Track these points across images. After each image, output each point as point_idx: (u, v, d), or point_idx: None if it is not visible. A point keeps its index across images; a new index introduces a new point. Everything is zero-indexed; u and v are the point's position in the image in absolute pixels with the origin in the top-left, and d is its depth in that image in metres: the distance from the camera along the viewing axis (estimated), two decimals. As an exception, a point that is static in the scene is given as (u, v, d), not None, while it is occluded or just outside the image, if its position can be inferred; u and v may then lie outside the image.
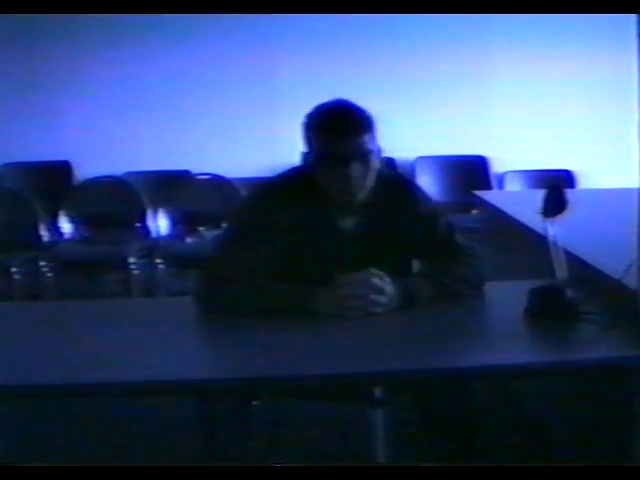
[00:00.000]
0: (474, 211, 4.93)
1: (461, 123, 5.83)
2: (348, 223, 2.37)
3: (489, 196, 4.56)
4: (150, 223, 5.37)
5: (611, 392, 2.24)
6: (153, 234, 5.35)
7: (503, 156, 5.94)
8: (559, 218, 2.19)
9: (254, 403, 2.35)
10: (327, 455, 2.85)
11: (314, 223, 2.34)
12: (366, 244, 2.35)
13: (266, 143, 5.59)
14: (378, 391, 2.12)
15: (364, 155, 2.25)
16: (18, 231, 5.11)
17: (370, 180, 2.29)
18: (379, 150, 2.31)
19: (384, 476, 1.83)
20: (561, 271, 2.14)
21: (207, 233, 5.25)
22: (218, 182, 5.47)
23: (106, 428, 3.16)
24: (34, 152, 5.69)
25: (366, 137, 2.25)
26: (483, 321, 2.33)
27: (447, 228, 2.43)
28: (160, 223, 5.39)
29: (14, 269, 4.81)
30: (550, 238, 2.17)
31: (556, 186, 2.25)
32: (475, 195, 4.61)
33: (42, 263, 4.94)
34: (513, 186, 5.89)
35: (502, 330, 2.15)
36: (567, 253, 2.19)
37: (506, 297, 2.35)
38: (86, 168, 5.70)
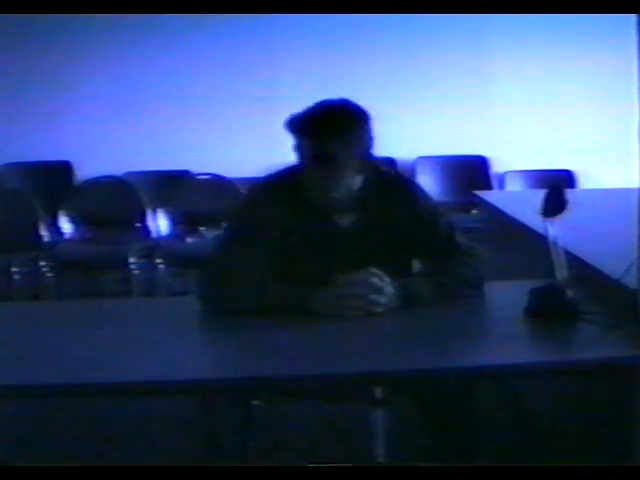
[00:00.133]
0: (474, 211, 4.93)
1: (461, 123, 5.83)
2: (344, 221, 2.37)
3: (489, 196, 4.56)
4: (150, 223, 5.37)
5: (611, 392, 2.24)
6: (153, 234, 5.35)
7: (503, 156, 5.94)
8: (559, 218, 2.19)
9: (254, 403, 2.35)
10: (327, 455, 2.85)
11: (310, 221, 2.34)
12: (364, 242, 2.34)
13: (266, 143, 5.59)
14: (378, 391, 2.12)
15: (335, 155, 2.23)
16: (18, 231, 5.11)
17: (349, 179, 2.28)
18: (366, 149, 2.30)
19: (384, 476, 1.83)
20: (561, 271, 2.14)
21: (207, 233, 5.25)
22: (218, 182, 5.47)
23: (106, 428, 3.16)
24: (34, 152, 5.69)
25: (340, 137, 2.22)
26: (483, 321, 2.33)
27: (447, 228, 2.42)
28: (160, 223, 5.39)
29: (14, 269, 4.81)
30: (550, 238, 2.17)
31: (556, 186, 2.25)
32: (475, 195, 4.61)
33: (42, 263, 4.93)
34: (513, 186, 5.89)
35: (502, 330, 2.14)
36: (567, 253, 2.19)
37: (506, 297, 2.35)
38: (86, 168, 5.70)
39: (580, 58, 5.77)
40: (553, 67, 5.83)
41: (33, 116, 5.66)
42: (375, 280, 2.21)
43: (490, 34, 5.79)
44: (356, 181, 2.31)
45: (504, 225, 3.66)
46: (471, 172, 5.93)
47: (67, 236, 5.36)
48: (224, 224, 2.51)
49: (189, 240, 5.37)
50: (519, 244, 3.30)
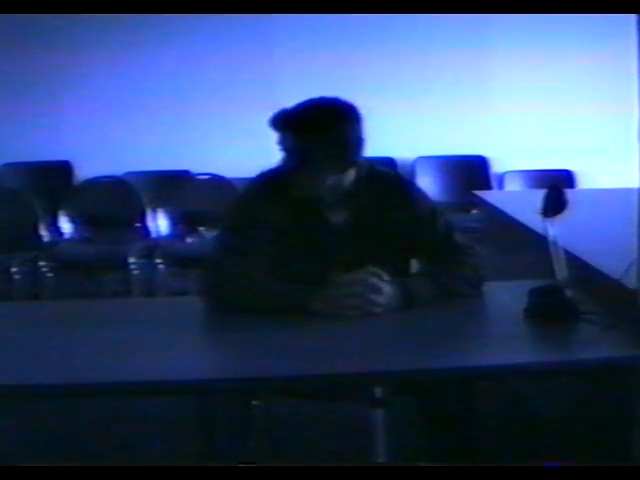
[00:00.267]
0: (474, 211, 4.93)
1: (461, 123, 5.83)
2: (336, 218, 2.37)
3: (489, 196, 4.56)
4: (150, 223, 5.37)
5: (611, 392, 2.24)
6: (153, 234, 5.35)
7: (503, 156, 5.94)
8: (559, 218, 2.19)
9: (254, 403, 2.35)
10: (327, 455, 2.85)
11: (300, 216, 2.34)
12: (357, 240, 2.34)
13: (266, 143, 5.58)
14: (378, 391, 2.12)
15: (309, 151, 2.24)
16: (18, 231, 5.11)
17: (330, 176, 2.28)
18: (351, 148, 2.29)
19: (384, 476, 1.83)
20: (561, 271, 2.14)
21: (207, 233, 5.24)
22: (218, 182, 5.47)
23: (106, 428, 3.16)
24: (34, 152, 5.69)
25: (317, 134, 2.23)
26: (483, 321, 2.33)
27: (446, 228, 2.42)
28: (160, 223, 5.39)
29: (14, 269, 4.81)
30: (550, 238, 2.17)
31: (556, 186, 2.25)
32: (475, 195, 4.61)
33: (42, 263, 4.94)
34: (513, 186, 5.89)
35: (502, 330, 2.14)
36: (567, 253, 2.19)
37: (506, 297, 2.35)
38: (86, 168, 5.70)
39: (580, 58, 5.77)
40: (553, 67, 5.82)
41: (33, 116, 5.66)
42: (373, 280, 2.21)
43: (490, 34, 5.78)
44: (345, 179, 2.31)
45: (504, 225, 3.66)
46: (471, 172, 5.93)
47: (67, 236, 5.36)
48: (220, 225, 2.51)
49: (189, 240, 5.37)
50: (519, 244, 3.30)
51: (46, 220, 5.20)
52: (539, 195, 2.23)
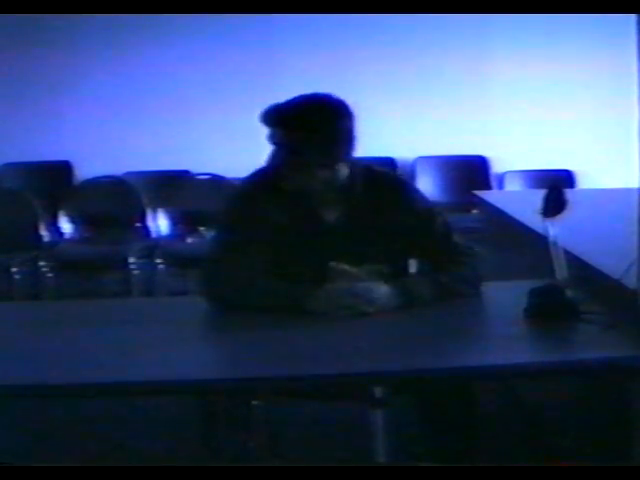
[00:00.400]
0: (474, 211, 4.93)
1: (461, 123, 5.83)
2: (329, 216, 2.37)
3: (489, 196, 4.56)
4: (150, 223, 5.37)
5: (611, 392, 2.24)
6: (153, 234, 5.35)
7: (503, 156, 5.94)
8: (559, 218, 2.19)
9: (254, 403, 2.35)
10: (327, 455, 2.84)
11: (293, 213, 2.34)
12: (351, 239, 2.34)
13: (266, 143, 5.58)
14: (378, 391, 2.12)
15: (296, 147, 2.25)
16: (18, 231, 5.11)
17: (318, 173, 2.28)
18: (340, 146, 2.29)
19: (384, 476, 1.83)
20: (561, 271, 2.14)
21: (207, 233, 5.24)
22: (218, 182, 5.47)
23: (106, 428, 3.16)
24: (34, 152, 5.69)
25: (303, 131, 2.24)
26: (483, 321, 2.33)
27: (444, 228, 2.42)
28: (160, 223, 5.39)
29: (14, 269, 4.81)
30: (550, 238, 2.17)
31: (556, 186, 2.25)
32: (475, 195, 4.61)
33: (42, 263, 4.93)
34: (513, 186, 5.89)
35: (502, 330, 2.14)
36: (567, 253, 2.19)
37: (506, 297, 2.35)
38: (86, 168, 5.70)
39: (580, 58, 5.77)
40: (553, 67, 5.82)
41: (33, 116, 5.66)
42: (371, 279, 2.21)
43: (490, 34, 5.78)
44: (336, 175, 2.31)
45: (504, 225, 3.66)
46: (471, 172, 5.93)
47: (67, 236, 5.36)
48: (216, 223, 2.52)
49: (189, 240, 5.37)
50: (519, 244, 3.30)
51: (46, 220, 5.20)
52: (539, 195, 2.23)
